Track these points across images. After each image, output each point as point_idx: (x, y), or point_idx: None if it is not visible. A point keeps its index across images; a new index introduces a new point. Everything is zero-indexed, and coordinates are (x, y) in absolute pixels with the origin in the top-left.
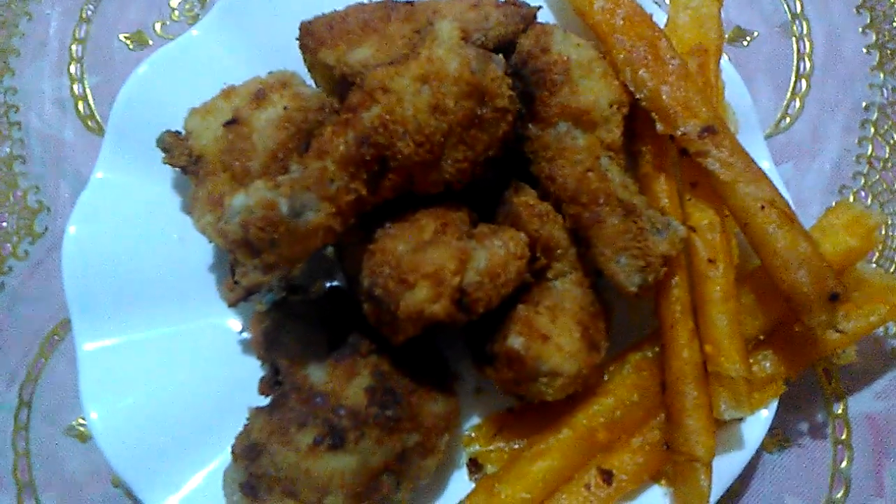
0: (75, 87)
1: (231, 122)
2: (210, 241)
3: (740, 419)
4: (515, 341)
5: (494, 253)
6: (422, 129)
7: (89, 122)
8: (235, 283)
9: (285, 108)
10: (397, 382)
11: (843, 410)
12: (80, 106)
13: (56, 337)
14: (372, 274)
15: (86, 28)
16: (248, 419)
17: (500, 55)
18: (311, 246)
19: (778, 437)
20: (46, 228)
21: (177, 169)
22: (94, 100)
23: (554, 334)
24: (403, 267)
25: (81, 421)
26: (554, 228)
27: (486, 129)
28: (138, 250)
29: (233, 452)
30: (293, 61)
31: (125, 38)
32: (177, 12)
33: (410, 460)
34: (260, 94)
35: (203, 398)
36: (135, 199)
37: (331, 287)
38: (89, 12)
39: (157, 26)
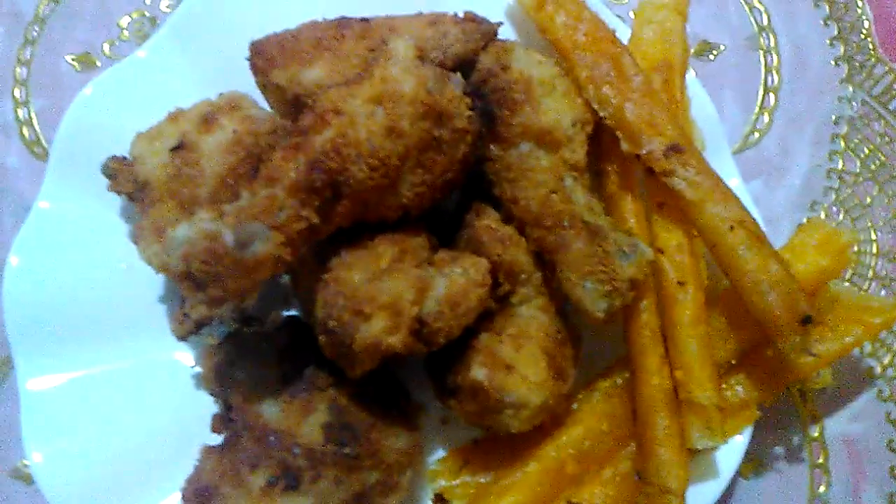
0: (19, 111)
1: (178, 148)
2: (158, 273)
3: (714, 447)
4: (478, 373)
5: (454, 281)
6: (376, 153)
7: (35, 149)
8: (185, 315)
9: (234, 131)
10: (356, 417)
11: (819, 433)
12: (25, 131)
13: None
14: (326, 305)
15: (31, 50)
16: (198, 460)
17: (458, 74)
18: (259, 278)
19: (753, 461)
20: None
21: (124, 196)
22: (39, 124)
23: (518, 364)
24: (359, 297)
25: (27, 462)
26: (517, 253)
27: (445, 152)
28: (84, 282)
29: (183, 496)
30: (247, 83)
31: (72, 59)
32: (126, 32)
33: (371, 500)
34: (208, 118)
35: (154, 438)
36: (80, 229)
37: (288, 317)
38: (34, 33)
39: (106, 47)
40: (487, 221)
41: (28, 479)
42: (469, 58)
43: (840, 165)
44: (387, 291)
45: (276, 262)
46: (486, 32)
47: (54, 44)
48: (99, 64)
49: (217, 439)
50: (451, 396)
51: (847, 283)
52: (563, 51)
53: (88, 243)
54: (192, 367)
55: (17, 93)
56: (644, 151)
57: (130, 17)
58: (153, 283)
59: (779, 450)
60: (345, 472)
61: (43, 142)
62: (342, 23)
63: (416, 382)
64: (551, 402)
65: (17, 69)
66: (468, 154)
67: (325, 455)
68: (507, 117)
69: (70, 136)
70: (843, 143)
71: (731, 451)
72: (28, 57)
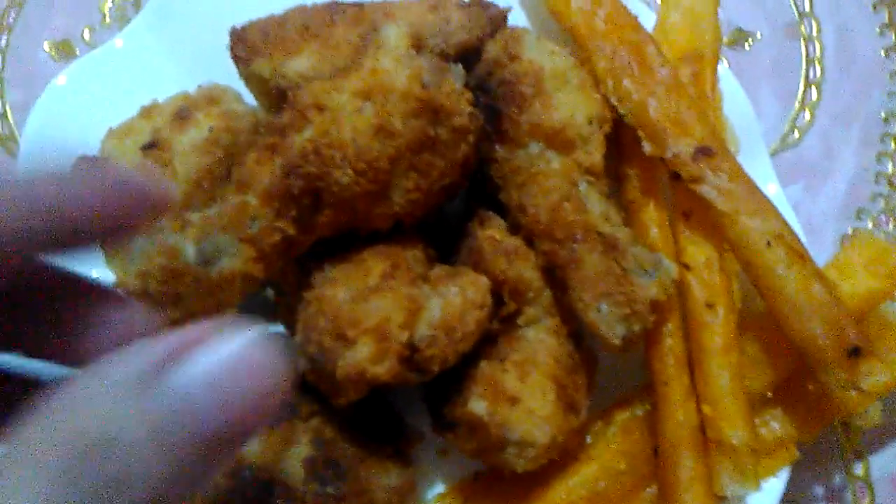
0: None
1: (149, 146)
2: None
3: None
4: (477, 406)
5: (450, 301)
6: (363, 155)
7: (9, 144)
8: None
9: (211, 128)
10: (342, 452)
11: (864, 471)
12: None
13: None
14: (306, 327)
15: (6, 37)
16: None
17: (459, 65)
18: (226, 299)
19: (790, 502)
20: None
21: None
22: (14, 119)
23: (524, 396)
24: (342, 319)
25: None
26: (524, 268)
27: (442, 153)
28: None
29: None
30: (235, 74)
31: (50, 47)
32: (108, 18)
33: None
34: (183, 113)
35: None
36: None
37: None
38: (11, 19)
39: (86, 33)
40: (491, 232)
41: None
42: (474, 47)
43: (890, 169)
44: (373, 313)
45: (245, 281)
46: (493, 18)
47: (32, 30)
48: (78, 52)
49: None
50: (449, 431)
51: None
52: (580, 39)
53: None
54: None
55: None
56: (669, 154)
57: (112, 1)
58: None
59: (818, 489)
60: None
61: (18, 138)
62: (333, 7)
63: (415, 407)
64: (560, 439)
65: None
66: (469, 156)
67: (307, 494)
68: (514, 114)
69: (39, 131)
70: (893, 144)
71: (766, 496)
72: (3, 45)
